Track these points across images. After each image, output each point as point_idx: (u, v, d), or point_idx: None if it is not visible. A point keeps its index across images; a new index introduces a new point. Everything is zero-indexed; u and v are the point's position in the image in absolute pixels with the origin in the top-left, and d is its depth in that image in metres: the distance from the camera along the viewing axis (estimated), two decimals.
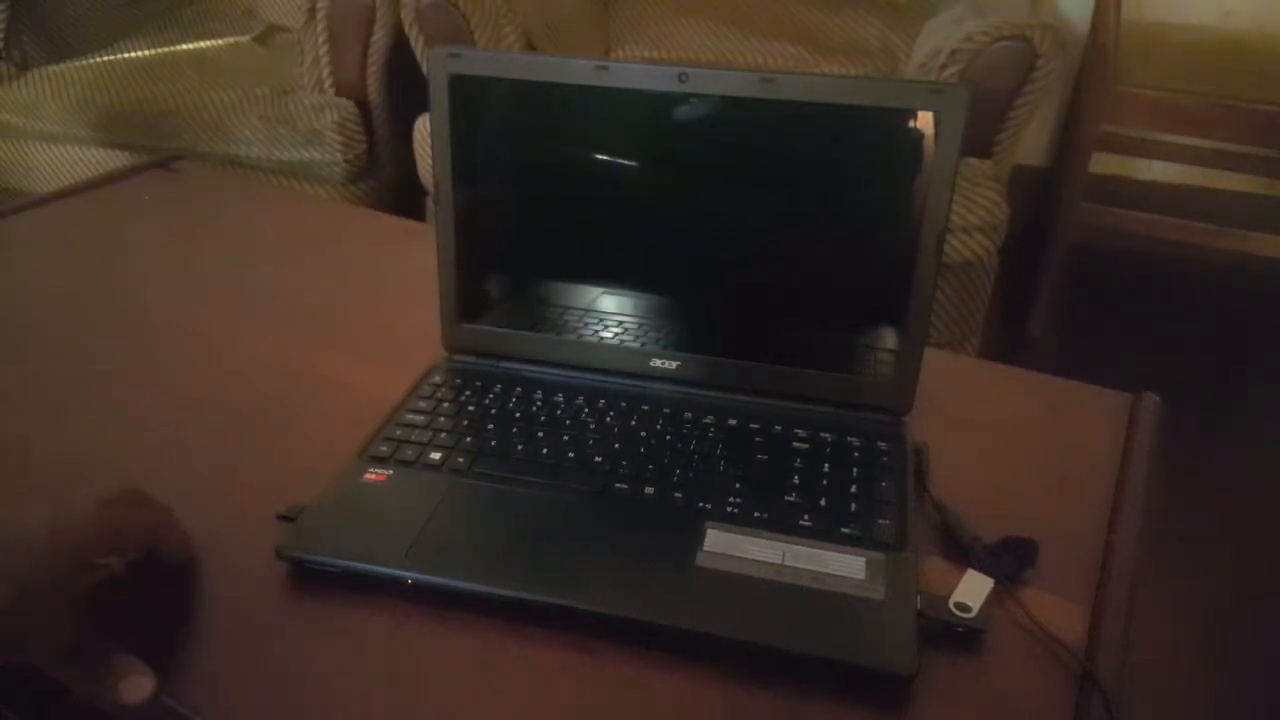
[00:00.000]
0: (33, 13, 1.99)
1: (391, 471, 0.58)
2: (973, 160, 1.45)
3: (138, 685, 0.45)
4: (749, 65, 1.88)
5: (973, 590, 0.51)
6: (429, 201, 1.67)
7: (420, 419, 0.63)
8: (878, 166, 0.61)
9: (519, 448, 0.60)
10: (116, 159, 1.86)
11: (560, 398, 0.65)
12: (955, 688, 0.47)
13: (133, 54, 2.01)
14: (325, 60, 1.78)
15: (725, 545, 0.53)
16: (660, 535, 0.54)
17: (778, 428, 0.62)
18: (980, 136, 1.46)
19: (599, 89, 0.61)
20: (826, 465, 0.59)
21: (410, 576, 0.51)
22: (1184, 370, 1.78)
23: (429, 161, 1.04)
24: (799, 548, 0.53)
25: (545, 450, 0.60)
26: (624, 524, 0.55)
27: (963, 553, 0.54)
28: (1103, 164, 2.00)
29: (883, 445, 0.61)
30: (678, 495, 0.56)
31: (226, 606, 0.51)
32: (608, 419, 0.63)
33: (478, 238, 0.67)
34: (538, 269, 0.69)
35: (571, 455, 0.60)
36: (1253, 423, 1.73)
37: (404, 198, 1.89)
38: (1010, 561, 0.53)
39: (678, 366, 0.66)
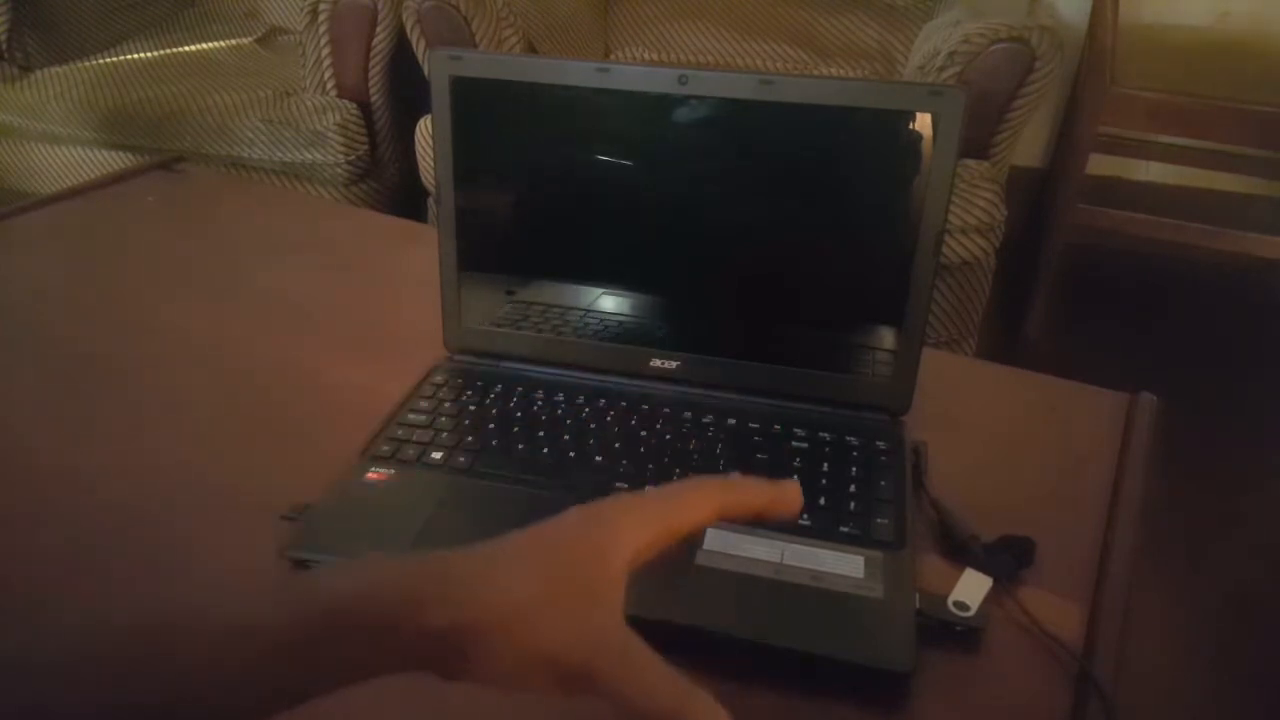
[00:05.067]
0: (36, 14, 1.99)
1: (394, 471, 0.59)
2: (970, 161, 1.46)
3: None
4: (748, 67, 1.88)
5: (971, 589, 0.51)
6: (430, 203, 1.68)
7: (422, 419, 0.63)
8: (876, 168, 0.62)
9: (520, 447, 0.61)
10: (119, 160, 1.86)
11: (561, 397, 0.65)
12: (953, 686, 0.48)
13: (136, 56, 2.02)
14: (327, 62, 1.79)
15: (724, 544, 0.53)
16: None
17: (777, 427, 0.63)
18: (978, 138, 1.46)
19: (599, 91, 0.62)
20: (825, 464, 0.59)
21: None
22: (1181, 370, 1.79)
23: (430, 163, 1.04)
24: (798, 546, 0.53)
25: (546, 450, 0.60)
26: None
27: (961, 551, 0.54)
28: (1100, 165, 2.00)
29: (881, 445, 0.61)
30: None
31: None
32: (608, 419, 0.63)
33: (479, 238, 0.68)
34: (538, 269, 0.70)
35: (572, 455, 0.60)
36: (1249, 422, 1.73)
37: (406, 199, 1.90)
38: (1008, 560, 0.54)
39: (677, 366, 0.67)
